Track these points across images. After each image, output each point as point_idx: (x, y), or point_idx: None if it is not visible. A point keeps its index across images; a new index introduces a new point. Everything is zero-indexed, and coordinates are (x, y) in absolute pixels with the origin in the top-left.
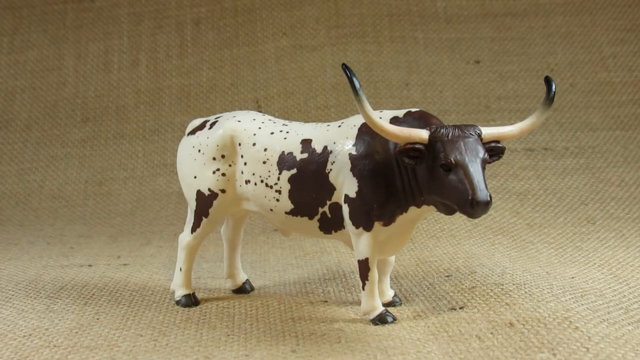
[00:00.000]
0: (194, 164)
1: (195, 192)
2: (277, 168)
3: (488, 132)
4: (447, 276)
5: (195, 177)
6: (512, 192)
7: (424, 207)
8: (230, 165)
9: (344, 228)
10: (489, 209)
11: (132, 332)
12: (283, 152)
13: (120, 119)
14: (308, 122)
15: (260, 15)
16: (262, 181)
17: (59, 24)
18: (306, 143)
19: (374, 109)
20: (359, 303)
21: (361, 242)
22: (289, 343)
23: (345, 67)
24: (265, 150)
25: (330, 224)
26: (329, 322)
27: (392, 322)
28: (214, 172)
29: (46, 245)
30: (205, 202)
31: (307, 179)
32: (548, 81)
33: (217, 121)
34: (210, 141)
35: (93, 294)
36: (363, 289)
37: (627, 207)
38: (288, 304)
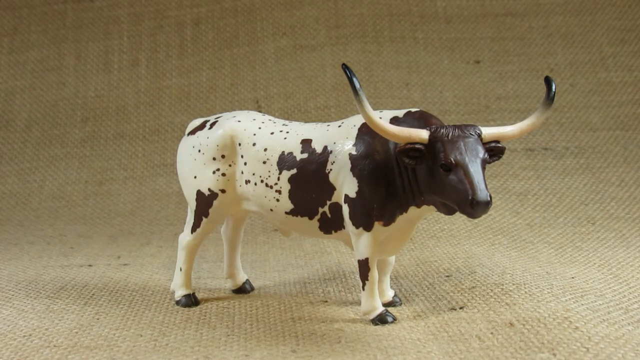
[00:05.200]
0: (194, 164)
1: (195, 192)
2: (277, 168)
3: (488, 132)
4: (447, 276)
5: (195, 177)
6: (512, 192)
7: (424, 207)
8: (230, 165)
9: (344, 228)
10: (489, 209)
11: (132, 332)
12: (283, 152)
13: (120, 119)
14: (308, 122)
15: (260, 15)
16: (262, 181)
17: (59, 24)
18: (306, 143)
19: (374, 109)
20: (359, 303)
21: (361, 242)
22: (289, 343)
23: (345, 67)
24: (265, 150)
25: (330, 224)
26: (329, 322)
27: (392, 322)
28: (214, 172)
29: (46, 245)
30: (205, 202)
31: (307, 179)
32: (548, 81)
33: (217, 121)
34: (210, 141)
35: (93, 294)
36: (363, 289)
37: (627, 207)
38: (288, 304)
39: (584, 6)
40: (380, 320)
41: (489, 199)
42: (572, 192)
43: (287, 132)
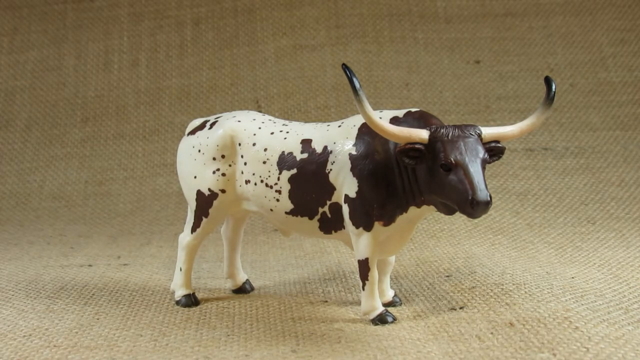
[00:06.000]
0: (194, 164)
1: (195, 192)
2: (277, 168)
3: (488, 132)
4: (447, 276)
5: (195, 177)
6: (512, 192)
7: (424, 207)
8: (230, 165)
9: (344, 228)
10: (489, 209)
11: (132, 332)
12: (283, 152)
13: (120, 119)
14: (308, 122)
15: (260, 15)
16: (262, 181)
17: (59, 24)
18: (306, 143)
19: (374, 109)
20: (359, 303)
21: (361, 242)
22: (289, 343)
23: (345, 67)
24: (265, 150)
25: (330, 224)
26: (329, 322)
27: (392, 322)
28: (214, 172)
29: (46, 245)
30: (205, 202)
31: (307, 179)
32: (548, 81)
33: (217, 121)
34: (210, 141)
35: (93, 294)
36: (363, 289)
37: (627, 207)
38: (288, 304)
39: (584, 6)
40: (380, 320)
41: (489, 199)
42: (572, 192)
43: (287, 132)
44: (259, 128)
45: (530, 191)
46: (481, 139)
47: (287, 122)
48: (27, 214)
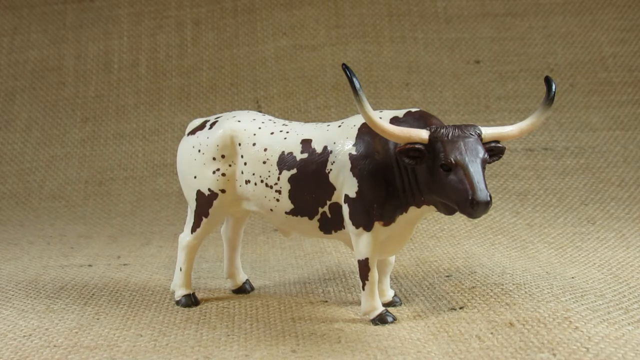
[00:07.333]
0: (194, 164)
1: (195, 192)
2: (277, 168)
3: (488, 132)
4: (447, 276)
5: (195, 177)
6: (512, 192)
7: (424, 207)
8: (230, 165)
9: (344, 228)
10: (489, 209)
11: (132, 332)
12: (283, 152)
13: (120, 119)
14: (308, 122)
15: (260, 15)
16: (262, 181)
17: (59, 24)
18: (306, 143)
19: (374, 109)
20: (359, 303)
21: (361, 242)
22: (289, 343)
23: (345, 67)
24: (265, 150)
25: (330, 224)
26: (329, 322)
27: (392, 322)
28: (214, 172)
29: (46, 245)
30: (205, 202)
31: (307, 179)
32: (548, 81)
33: (217, 121)
34: (210, 141)
35: (93, 294)
36: (363, 289)
37: (627, 207)
38: (288, 304)
39: (584, 6)
40: (380, 320)
41: (489, 199)
42: (572, 192)
43: (287, 132)
44: (259, 128)
45: (530, 191)
46: (481, 139)
47: (287, 122)
48: (27, 214)
